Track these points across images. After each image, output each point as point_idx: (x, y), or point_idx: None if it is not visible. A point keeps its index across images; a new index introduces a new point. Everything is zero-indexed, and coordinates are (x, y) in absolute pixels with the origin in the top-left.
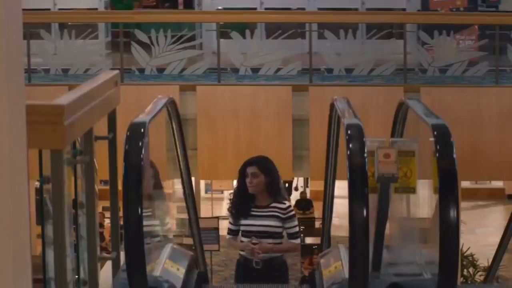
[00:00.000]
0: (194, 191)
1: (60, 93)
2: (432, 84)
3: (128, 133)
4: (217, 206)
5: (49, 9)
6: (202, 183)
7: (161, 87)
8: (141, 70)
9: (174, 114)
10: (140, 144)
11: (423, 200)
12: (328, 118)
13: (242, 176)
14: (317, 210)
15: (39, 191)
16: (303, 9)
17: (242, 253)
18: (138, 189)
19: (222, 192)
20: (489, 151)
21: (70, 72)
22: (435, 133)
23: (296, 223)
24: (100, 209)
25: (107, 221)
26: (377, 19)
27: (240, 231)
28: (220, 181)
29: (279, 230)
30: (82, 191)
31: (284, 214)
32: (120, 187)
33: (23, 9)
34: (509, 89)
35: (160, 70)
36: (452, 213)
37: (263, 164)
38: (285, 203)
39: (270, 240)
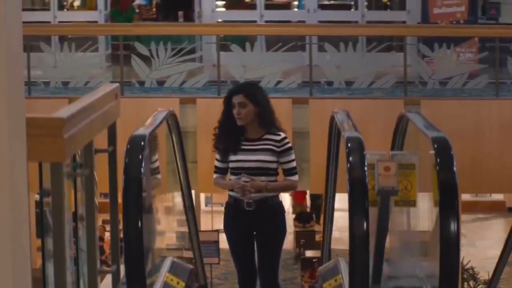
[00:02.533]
0: (194, 204)
1: (60, 106)
2: (432, 96)
3: (128, 146)
4: (217, 219)
5: (49, 22)
6: (202, 196)
7: (161, 100)
8: (141, 83)
9: (174, 127)
10: (140, 157)
11: (424, 213)
12: (328, 131)
13: (228, 106)
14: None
15: (39, 204)
16: (303, 22)
17: (231, 193)
18: (138, 202)
19: (222, 205)
20: (490, 164)
21: (70, 84)
22: (435, 146)
23: (293, 157)
24: (100, 222)
25: (107, 234)
26: (377, 32)
27: (229, 169)
28: (220, 194)
29: (274, 165)
30: (82, 204)
31: (279, 146)
32: (120, 200)
33: (23, 22)
34: (509, 101)
35: (160, 83)
36: (453, 226)
37: (251, 92)
38: (279, 134)
39: (264, 178)
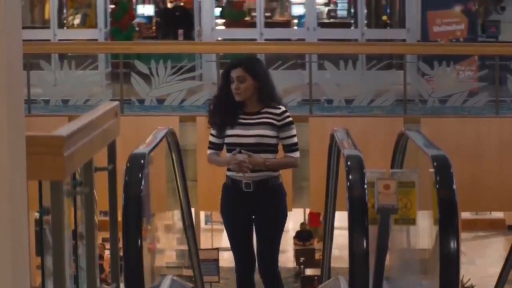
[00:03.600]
0: (194, 222)
1: (60, 124)
2: (432, 114)
3: (128, 164)
4: (217, 238)
5: (49, 40)
6: (202, 214)
7: (161, 118)
8: (141, 101)
9: (174, 145)
10: (140, 175)
11: (423, 231)
12: (328, 149)
13: (226, 80)
14: (316, 238)
15: (38, 222)
16: (303, 40)
17: (229, 173)
18: (137, 220)
19: (222, 223)
20: (489, 182)
21: (70, 102)
22: (435, 164)
23: (294, 132)
24: (100, 240)
25: (107, 253)
26: (377, 50)
27: (225, 144)
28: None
29: (274, 141)
30: (82, 222)
31: (279, 120)
32: (120, 218)
33: (23, 40)
34: (509, 119)
35: (160, 101)
36: (453, 244)
37: (250, 65)
38: (280, 108)
39: (263, 155)
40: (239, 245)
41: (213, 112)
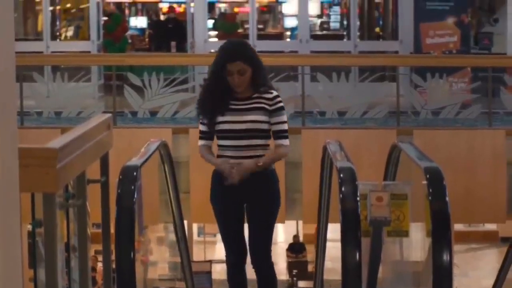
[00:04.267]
0: (187, 234)
1: (52, 136)
2: (425, 126)
3: (120, 177)
4: (209, 250)
5: (42, 52)
6: (195, 226)
7: (154, 130)
8: (134, 113)
9: (166, 157)
10: (132, 187)
11: (416, 243)
12: (320, 161)
13: (220, 69)
14: (310, 254)
15: (31, 235)
16: (296, 52)
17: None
18: (130, 233)
19: (214, 235)
20: (482, 194)
21: (62, 114)
22: (428, 176)
23: (285, 118)
24: (92, 253)
25: (99, 265)
26: (369, 62)
27: (216, 132)
28: (213, 224)
29: (266, 126)
30: (74, 235)
31: (271, 105)
32: (112, 231)
33: (16, 52)
34: (502, 131)
35: (153, 113)
36: (445, 256)
37: (249, 56)
38: (271, 92)
39: (255, 141)
40: (231, 235)
41: (203, 100)
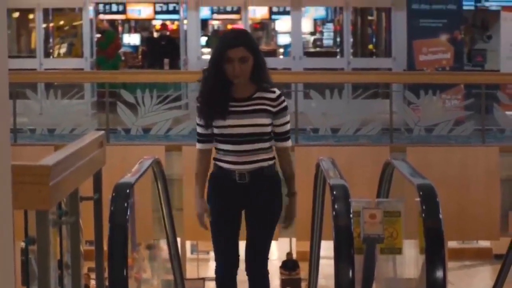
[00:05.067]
0: (180, 251)
1: (46, 153)
2: (418, 143)
3: (113, 194)
4: (203, 267)
5: (35, 69)
6: (188, 243)
7: (147, 147)
8: (127, 130)
9: (159, 175)
10: (126, 205)
11: (410, 261)
12: (313, 178)
13: (220, 62)
14: (303, 271)
15: (24, 252)
16: (289, 69)
17: (219, 163)
18: (123, 250)
19: (208, 253)
20: (476, 211)
21: (56, 132)
22: (421, 193)
23: (288, 118)
24: (85, 270)
25: (92, 282)
26: (363, 79)
27: (216, 135)
28: (206, 241)
29: (269, 129)
30: (67, 252)
31: (275, 106)
32: (105, 248)
33: (9, 69)
34: (496, 148)
35: (146, 130)
36: (439, 273)
37: (251, 42)
38: (274, 91)
39: (257, 145)
40: (226, 243)
41: (203, 98)
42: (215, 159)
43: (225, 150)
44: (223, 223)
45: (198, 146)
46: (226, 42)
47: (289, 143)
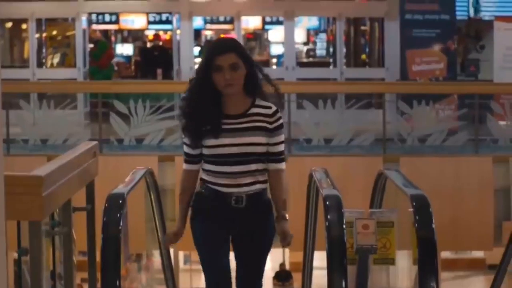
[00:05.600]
0: (173, 262)
1: (38, 164)
2: (412, 153)
3: (106, 205)
4: (196, 278)
5: (28, 79)
6: (181, 254)
7: (140, 158)
8: (120, 141)
9: (152, 185)
10: (118, 215)
11: (403, 271)
12: (306, 188)
13: (207, 71)
14: (296, 282)
15: (17, 263)
16: (282, 79)
17: (213, 186)
18: (116, 261)
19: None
20: (469, 221)
21: (49, 142)
22: (414, 203)
23: (283, 137)
24: (78, 281)
25: None
26: (356, 89)
27: (205, 156)
28: None
29: (265, 148)
30: (60, 263)
31: (271, 122)
32: (98, 259)
33: (2, 79)
34: (489, 158)
35: (139, 140)
36: (432, 284)
37: (242, 49)
38: (270, 106)
39: (255, 166)
40: (216, 259)
41: (189, 114)
42: (204, 181)
43: (216, 172)
44: (214, 248)
45: (185, 166)
46: (214, 49)
47: (283, 165)
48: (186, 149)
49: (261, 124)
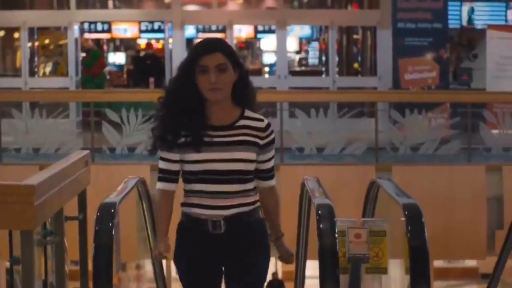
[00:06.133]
0: (165, 272)
1: (30, 173)
2: (404, 162)
3: (98, 214)
4: None
5: (20, 88)
6: (173, 263)
7: (132, 167)
8: (112, 150)
9: (144, 194)
10: (110, 224)
11: (395, 281)
12: (299, 198)
13: (190, 73)
14: None
15: (9, 272)
16: (274, 88)
17: (186, 209)
18: (108, 270)
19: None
20: (462, 230)
21: (41, 151)
22: (406, 213)
23: (273, 152)
24: None
25: None
26: (348, 98)
27: (186, 173)
28: None
29: (254, 166)
30: (52, 272)
31: (263, 137)
32: (90, 268)
33: None
34: (482, 167)
35: (131, 149)
36: None
37: (230, 49)
38: (261, 119)
39: (245, 186)
40: None
41: (165, 128)
42: (183, 204)
43: (195, 191)
44: (198, 278)
45: (160, 185)
46: (199, 48)
47: (274, 181)
48: (162, 164)
49: (251, 139)
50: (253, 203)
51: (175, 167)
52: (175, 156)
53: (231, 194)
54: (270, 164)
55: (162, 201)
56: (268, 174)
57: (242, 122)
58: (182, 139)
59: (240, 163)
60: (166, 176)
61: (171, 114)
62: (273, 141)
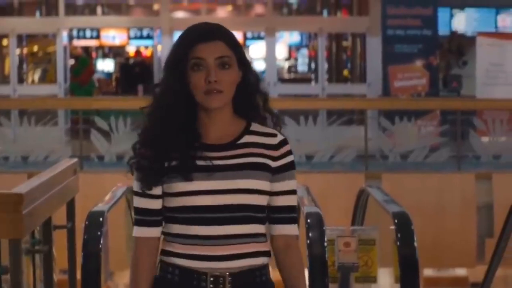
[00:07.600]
0: None
1: (19, 181)
2: (394, 170)
3: (86, 222)
4: None
5: (8, 96)
6: None
7: (121, 175)
8: (101, 157)
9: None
10: (99, 233)
11: None
12: None
13: (180, 69)
14: None
15: None
16: None
17: (177, 261)
18: (96, 279)
19: None
20: (452, 238)
21: (29, 159)
22: (396, 221)
23: (295, 183)
24: None
25: None
26: (337, 105)
27: (171, 210)
28: None
29: (266, 200)
30: (40, 281)
31: (276, 158)
32: (79, 277)
33: None
34: (471, 175)
35: (120, 157)
36: None
37: (234, 39)
38: (275, 134)
39: (248, 228)
40: None
41: (147, 143)
42: (165, 253)
43: (187, 235)
44: None
45: (138, 232)
46: (191, 34)
47: (296, 229)
48: (138, 202)
49: (259, 160)
50: (265, 253)
51: (158, 204)
52: (158, 190)
53: (239, 239)
54: (290, 200)
55: (143, 254)
56: (287, 215)
57: (247, 139)
58: (165, 163)
59: (247, 195)
60: (147, 218)
61: (156, 130)
62: (291, 165)
